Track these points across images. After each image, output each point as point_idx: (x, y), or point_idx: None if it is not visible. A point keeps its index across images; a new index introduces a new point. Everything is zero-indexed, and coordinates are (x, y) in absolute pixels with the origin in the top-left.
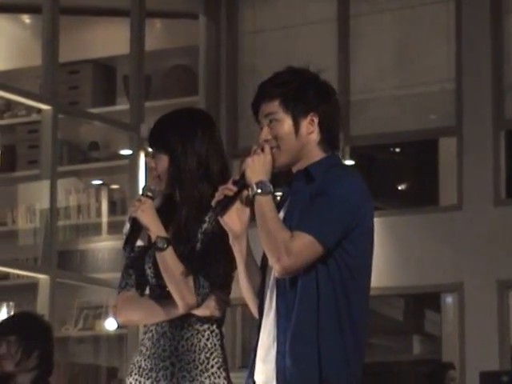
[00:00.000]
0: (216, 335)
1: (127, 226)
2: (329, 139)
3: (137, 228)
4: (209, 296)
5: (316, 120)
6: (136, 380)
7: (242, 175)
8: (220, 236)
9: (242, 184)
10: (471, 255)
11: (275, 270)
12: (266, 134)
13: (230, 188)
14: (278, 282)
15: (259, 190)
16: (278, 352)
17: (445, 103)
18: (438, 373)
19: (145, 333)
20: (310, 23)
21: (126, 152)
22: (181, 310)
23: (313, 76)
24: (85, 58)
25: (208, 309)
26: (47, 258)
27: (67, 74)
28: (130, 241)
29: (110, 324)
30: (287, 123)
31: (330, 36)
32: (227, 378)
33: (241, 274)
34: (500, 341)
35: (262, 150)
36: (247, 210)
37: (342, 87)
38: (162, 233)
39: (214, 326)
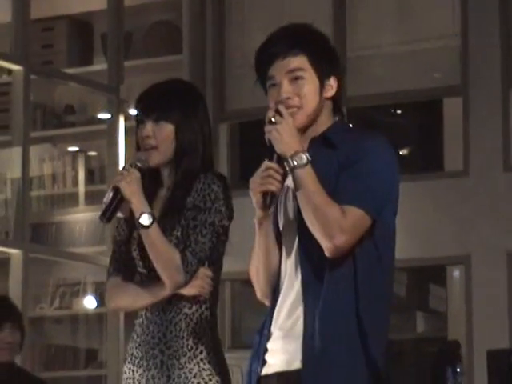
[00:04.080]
0: (206, 318)
1: (109, 196)
2: (339, 104)
3: (118, 199)
4: (196, 273)
5: (335, 84)
6: (129, 369)
7: (272, 152)
8: (205, 210)
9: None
10: (479, 225)
11: (326, 249)
12: (287, 90)
13: (276, 178)
14: (304, 261)
15: (296, 163)
16: (306, 332)
17: (449, 60)
18: (444, 352)
19: (137, 318)
20: None
21: (105, 116)
22: (168, 289)
23: (327, 38)
24: (59, 14)
25: (194, 287)
26: (19, 232)
27: (40, 32)
28: (108, 212)
29: (89, 302)
30: (314, 83)
31: None
32: (219, 363)
33: (261, 252)
34: (510, 317)
35: (280, 114)
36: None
37: (338, 43)
38: (146, 208)
39: (204, 308)
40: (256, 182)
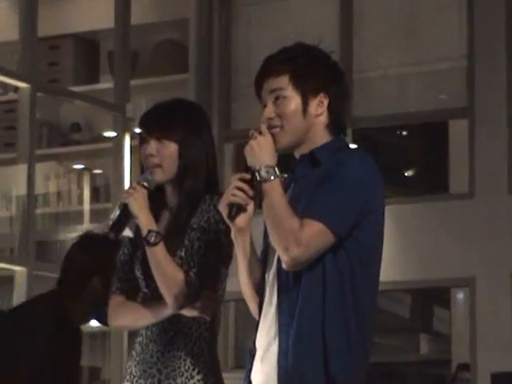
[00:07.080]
0: (204, 339)
1: (116, 212)
2: (337, 123)
3: (126, 216)
4: (199, 295)
5: (326, 101)
6: None
7: (247, 168)
8: (209, 231)
9: (250, 178)
10: (484, 247)
11: (283, 262)
12: (270, 111)
13: (246, 191)
14: (280, 276)
15: (264, 177)
16: (280, 350)
17: (456, 82)
18: (454, 374)
19: (137, 337)
20: None
21: (111, 134)
22: (170, 309)
23: (325, 55)
24: (66, 33)
25: (196, 309)
26: (24, 249)
27: (47, 50)
28: (116, 226)
29: (93, 320)
30: (295, 101)
31: (330, 8)
32: (216, 383)
33: (242, 269)
34: None
35: (260, 132)
36: (252, 202)
37: (344, 64)
38: (153, 226)
39: (203, 329)
40: (223, 196)
